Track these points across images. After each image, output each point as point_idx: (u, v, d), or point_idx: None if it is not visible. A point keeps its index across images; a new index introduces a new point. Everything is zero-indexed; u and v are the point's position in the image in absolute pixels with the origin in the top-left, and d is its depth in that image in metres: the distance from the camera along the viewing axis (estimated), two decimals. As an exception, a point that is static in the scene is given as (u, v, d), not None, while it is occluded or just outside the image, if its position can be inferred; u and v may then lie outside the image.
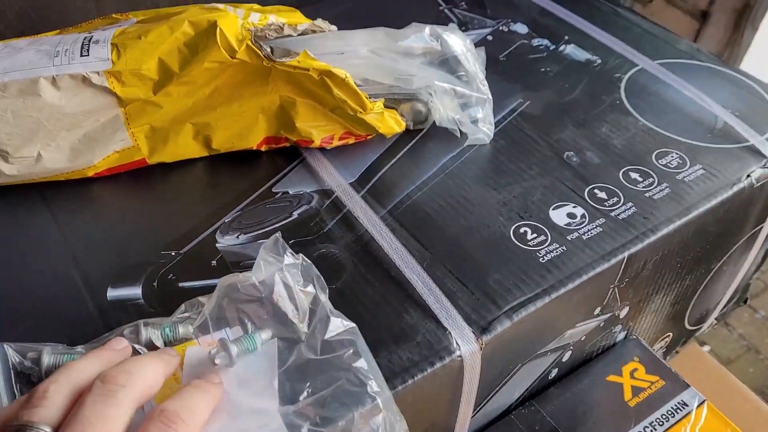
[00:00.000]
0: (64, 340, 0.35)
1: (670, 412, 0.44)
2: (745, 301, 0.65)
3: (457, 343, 0.36)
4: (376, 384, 0.32)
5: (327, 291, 0.34)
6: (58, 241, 0.41)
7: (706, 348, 1.29)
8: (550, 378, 0.46)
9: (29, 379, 0.32)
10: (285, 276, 0.34)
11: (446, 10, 0.64)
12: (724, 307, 0.62)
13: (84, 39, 0.41)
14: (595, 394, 0.46)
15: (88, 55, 0.40)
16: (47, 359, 0.32)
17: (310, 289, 0.34)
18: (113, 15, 0.47)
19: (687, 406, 0.45)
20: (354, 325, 0.33)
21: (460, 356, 0.36)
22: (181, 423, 0.28)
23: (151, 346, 0.33)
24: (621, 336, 0.50)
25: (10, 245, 0.40)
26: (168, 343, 0.34)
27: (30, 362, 0.33)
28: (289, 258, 0.35)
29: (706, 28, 0.86)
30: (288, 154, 0.48)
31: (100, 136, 0.42)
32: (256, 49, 0.41)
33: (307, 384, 0.31)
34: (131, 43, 0.40)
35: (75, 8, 0.59)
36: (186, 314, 0.35)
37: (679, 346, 0.61)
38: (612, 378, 0.47)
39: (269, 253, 0.35)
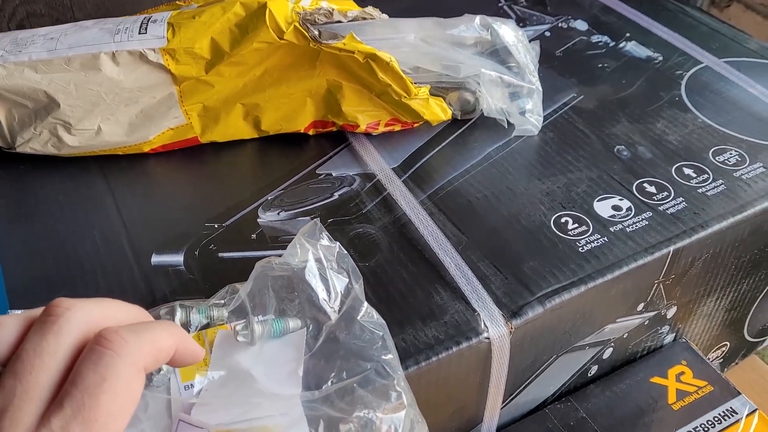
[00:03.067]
0: (108, 300, 0.37)
1: (716, 419, 0.42)
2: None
3: (485, 325, 0.36)
4: (403, 381, 0.31)
5: (361, 281, 0.34)
6: (113, 211, 0.43)
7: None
8: (589, 375, 0.45)
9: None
10: (320, 257, 0.34)
11: (505, 7, 0.63)
12: (790, 321, 0.58)
13: (143, 19, 0.43)
14: (637, 395, 0.44)
15: (146, 33, 0.42)
16: None
17: (343, 276, 0.34)
18: (177, 2, 0.50)
19: (736, 413, 0.43)
20: (383, 322, 0.33)
21: (488, 338, 0.36)
22: (122, 343, 0.22)
23: (186, 327, 0.34)
24: (669, 338, 0.48)
25: (69, 212, 0.43)
26: (203, 326, 0.34)
27: None
28: (325, 240, 0.35)
29: (786, 34, 0.82)
30: (335, 138, 0.48)
31: (155, 113, 0.44)
32: (303, 31, 0.42)
33: (333, 370, 0.31)
34: (185, 22, 0.42)
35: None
36: (222, 300, 0.36)
37: (738, 359, 0.57)
38: (656, 380, 0.45)
39: (306, 235, 0.35)
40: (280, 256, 0.35)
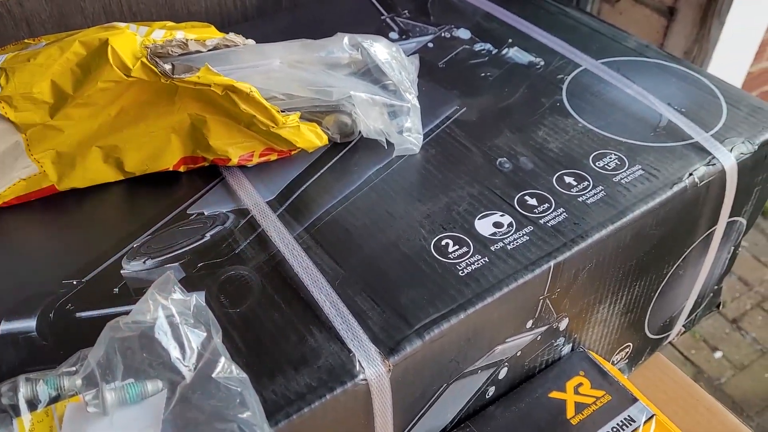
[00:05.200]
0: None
1: (615, 429, 0.42)
2: (718, 306, 0.62)
3: (361, 366, 0.34)
4: None
5: (220, 333, 0.32)
6: (-41, 275, 0.39)
7: (718, 354, 1.25)
8: (487, 397, 0.44)
9: None
10: (171, 312, 0.32)
11: (388, 20, 0.62)
12: (692, 313, 0.58)
13: (-25, 65, 0.40)
14: (537, 413, 0.43)
15: (-23, 81, 0.38)
16: None
17: (200, 330, 0.32)
18: (26, 40, 0.46)
19: (634, 421, 0.42)
20: (245, 375, 0.30)
21: (365, 380, 0.34)
22: None
23: (33, 403, 0.31)
24: (567, 349, 0.47)
25: None
26: (53, 399, 0.31)
27: None
28: (177, 294, 0.32)
29: (674, 25, 0.84)
30: (208, 174, 0.46)
31: (2, 165, 0.41)
32: (152, 66, 0.39)
33: None
34: (20, 66, 0.39)
35: (7, 36, 0.58)
36: (73, 368, 0.33)
37: (645, 356, 0.58)
38: (555, 394, 0.44)
39: (158, 289, 0.33)
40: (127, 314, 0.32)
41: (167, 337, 0.30)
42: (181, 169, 0.45)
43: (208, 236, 0.41)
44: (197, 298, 0.32)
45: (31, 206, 0.44)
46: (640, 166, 0.45)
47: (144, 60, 0.39)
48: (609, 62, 0.55)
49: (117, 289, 0.38)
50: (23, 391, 0.31)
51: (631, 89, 0.52)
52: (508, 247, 0.40)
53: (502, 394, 0.44)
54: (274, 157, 0.46)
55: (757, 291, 1.33)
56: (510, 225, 0.41)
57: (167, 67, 0.40)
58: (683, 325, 0.59)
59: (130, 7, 0.62)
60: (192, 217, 0.43)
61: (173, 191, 0.45)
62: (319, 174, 0.46)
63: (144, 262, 0.40)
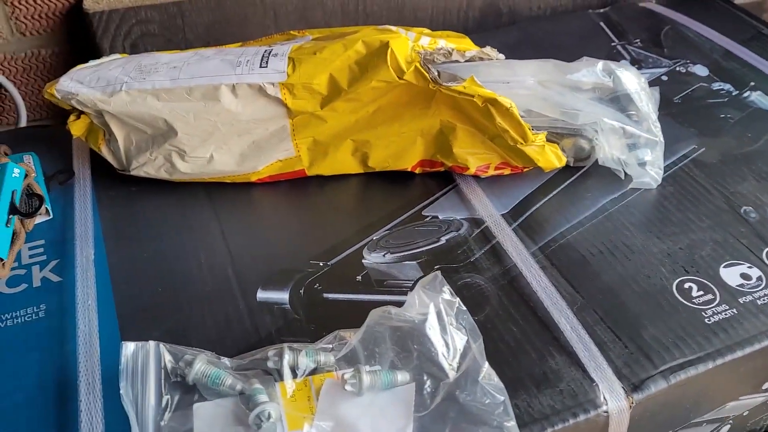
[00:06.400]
0: (214, 335, 0.37)
1: None
2: None
3: (604, 398, 0.34)
4: None
5: (481, 340, 0.33)
6: (218, 239, 0.43)
7: None
8: (701, 452, 0.42)
9: (180, 380, 0.33)
10: (440, 311, 0.33)
11: (619, 47, 0.61)
12: None
13: (264, 51, 0.43)
14: (754, 479, 0.41)
15: (267, 67, 0.42)
16: (198, 366, 0.33)
17: (463, 333, 0.33)
18: (291, 32, 0.50)
19: None
20: (503, 386, 0.31)
21: (606, 412, 0.34)
22: None
23: (294, 371, 0.33)
24: (790, 418, 0.44)
25: (177, 237, 0.43)
26: (311, 371, 0.34)
27: (183, 364, 0.34)
28: (446, 294, 0.34)
29: None
30: (441, 179, 0.47)
31: (266, 144, 0.44)
32: (424, 72, 0.41)
33: (449, 430, 0.30)
34: (306, 57, 0.42)
35: (256, 23, 0.62)
36: (329, 345, 0.35)
37: None
38: (775, 464, 0.41)
39: (426, 287, 0.34)
40: (394, 304, 0.33)
41: (435, 334, 0.32)
42: (417, 170, 0.47)
43: (443, 240, 0.43)
44: (460, 302, 0.33)
45: (279, 186, 0.47)
46: None
47: (417, 65, 0.41)
48: None
49: (360, 277, 0.40)
50: (287, 358, 0.33)
51: None
52: (758, 302, 0.38)
53: (716, 452, 0.42)
54: (507, 171, 0.46)
55: None
56: (759, 279, 0.39)
57: (435, 73, 0.42)
58: None
59: (365, 8, 0.65)
60: (427, 219, 0.44)
61: (408, 191, 0.47)
62: (551, 195, 0.46)
63: (384, 255, 0.42)
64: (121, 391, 0.32)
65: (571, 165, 0.47)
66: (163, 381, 0.33)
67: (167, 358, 0.34)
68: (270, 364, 0.34)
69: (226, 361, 0.34)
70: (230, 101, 0.42)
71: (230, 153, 0.44)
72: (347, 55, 0.41)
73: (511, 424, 0.29)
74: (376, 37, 0.42)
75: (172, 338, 0.36)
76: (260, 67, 0.42)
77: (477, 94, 0.41)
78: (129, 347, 0.33)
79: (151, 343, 0.33)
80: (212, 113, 0.42)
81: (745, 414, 0.41)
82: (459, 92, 0.42)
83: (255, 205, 0.46)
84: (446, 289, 0.33)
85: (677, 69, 0.58)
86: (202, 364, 0.33)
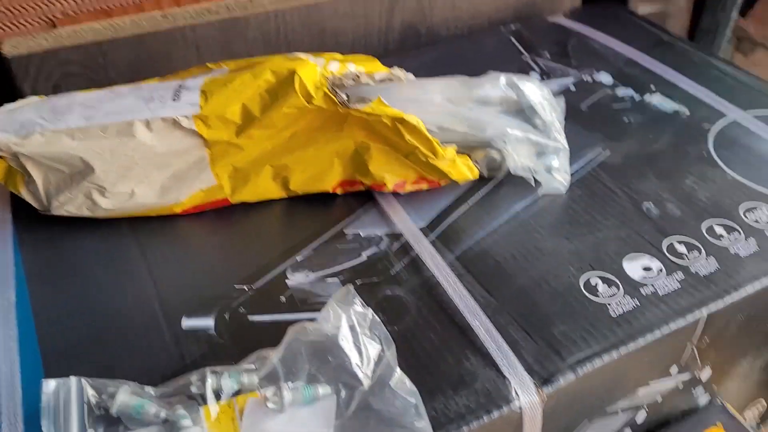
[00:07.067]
0: (140, 366, 0.38)
1: (755, 487, 0.41)
2: None
3: (516, 393, 0.35)
4: None
5: (394, 348, 0.34)
6: (144, 272, 0.44)
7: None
8: (622, 439, 0.44)
9: (104, 413, 0.34)
10: (353, 323, 0.34)
11: (529, 60, 0.64)
12: (829, 377, 0.56)
13: (177, 86, 0.44)
14: (672, 461, 0.43)
15: (179, 101, 0.43)
16: (121, 398, 0.33)
17: (376, 342, 0.34)
18: (208, 65, 0.51)
19: (776, 481, 0.41)
20: (416, 390, 0.33)
21: (519, 407, 0.35)
22: None
23: (218, 394, 0.34)
24: (704, 399, 0.47)
25: (102, 274, 0.43)
26: (234, 393, 0.34)
27: (106, 396, 0.34)
28: (358, 306, 0.35)
29: (813, 79, 0.82)
30: (362, 197, 0.49)
31: (186, 175, 0.45)
32: (332, 96, 0.43)
33: None
34: (218, 89, 0.43)
35: (179, 57, 0.64)
36: (252, 365, 0.36)
37: (775, 417, 0.56)
38: (691, 444, 0.44)
39: (339, 301, 0.35)
40: (311, 320, 0.35)
41: (349, 344, 0.33)
42: (338, 191, 0.49)
43: (364, 256, 0.44)
44: (373, 313, 0.34)
45: (204, 216, 0.48)
46: (794, 222, 0.45)
47: (325, 90, 0.43)
48: (759, 115, 0.55)
49: (284, 298, 0.42)
50: (210, 382, 0.34)
51: (783, 144, 0.51)
52: (659, 292, 0.41)
53: (637, 438, 0.44)
54: (425, 186, 0.48)
55: None
56: (660, 270, 0.42)
57: (344, 97, 0.44)
58: (819, 389, 0.57)
59: (287, 36, 0.67)
60: (349, 237, 0.46)
61: (330, 211, 0.48)
62: (467, 206, 0.48)
63: (307, 275, 0.43)
64: (43, 429, 0.32)
65: (485, 176, 0.50)
66: (86, 416, 0.33)
67: (90, 393, 0.34)
68: (193, 389, 0.35)
69: (150, 390, 0.35)
70: (145, 136, 0.43)
71: (151, 186, 0.45)
72: (257, 84, 0.43)
73: (423, 424, 0.31)
74: (284, 65, 0.43)
75: (99, 374, 0.36)
76: (173, 101, 0.43)
77: (384, 114, 0.43)
78: (50, 384, 0.33)
79: (73, 379, 0.34)
80: (129, 149, 0.43)
81: (659, 401, 0.43)
82: (368, 113, 0.43)
83: (180, 236, 0.47)
84: (358, 301, 0.34)
85: (584, 78, 0.61)
86: (125, 395, 0.34)
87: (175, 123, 0.43)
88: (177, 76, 0.49)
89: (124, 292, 0.42)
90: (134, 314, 0.41)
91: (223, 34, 0.64)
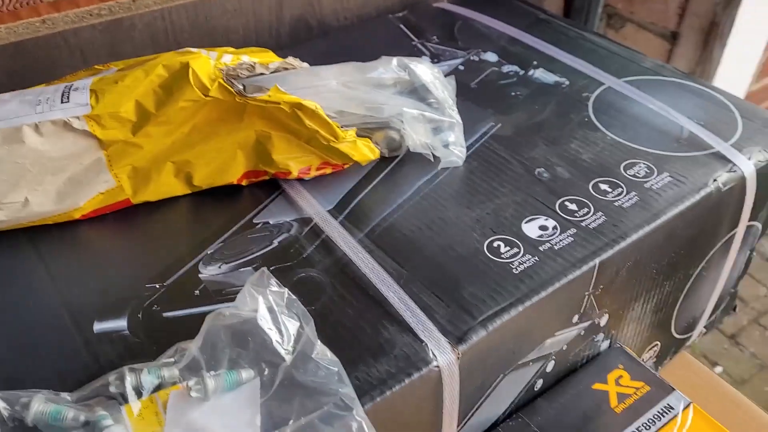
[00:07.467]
0: (53, 374, 0.37)
1: (656, 416, 0.45)
2: (734, 309, 0.66)
3: (434, 354, 0.37)
4: (362, 412, 0.32)
5: (312, 323, 0.35)
6: (46, 281, 0.42)
7: (719, 369, 1.29)
8: (536, 389, 0.47)
9: (18, 424, 0.33)
10: (270, 304, 0.35)
11: (419, 45, 0.66)
12: (712, 314, 0.62)
13: (64, 87, 0.43)
14: (582, 403, 0.46)
15: (69, 102, 0.42)
16: (35, 407, 0.32)
17: (294, 319, 0.35)
18: (96, 66, 0.50)
19: (673, 409, 0.45)
20: (337, 359, 0.34)
21: (437, 366, 0.37)
22: None
23: (139, 391, 0.34)
24: (605, 345, 0.50)
25: (0, 289, 0.42)
26: (155, 388, 0.34)
27: (20, 407, 0.33)
28: (274, 287, 0.36)
29: (677, 49, 0.89)
30: (268, 187, 0.49)
31: (84, 179, 0.44)
32: (228, 87, 0.43)
33: (293, 410, 0.32)
34: (108, 87, 0.42)
35: (63, 64, 0.61)
36: (171, 359, 0.36)
37: (670, 356, 0.61)
38: (597, 386, 0.47)
39: (254, 284, 0.36)
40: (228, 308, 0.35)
41: (268, 324, 0.34)
42: (244, 182, 0.49)
43: (276, 242, 0.45)
44: (289, 292, 0.35)
45: (106, 219, 0.47)
46: (668, 174, 0.49)
47: (220, 81, 0.43)
48: (630, 81, 0.59)
49: (198, 291, 0.41)
50: (129, 380, 0.34)
51: (653, 104, 0.56)
52: (555, 248, 0.43)
53: (548, 387, 0.47)
54: (329, 170, 0.49)
55: (753, 307, 1.38)
56: (555, 228, 0.45)
57: (240, 87, 0.44)
58: (704, 326, 0.63)
59: (176, 37, 0.66)
60: (258, 226, 0.46)
61: (237, 203, 0.48)
62: (372, 185, 0.49)
63: (219, 267, 0.43)
64: (-46, 447, 0.31)
65: (387, 156, 0.51)
66: (1, 428, 0.32)
67: (1, 405, 0.33)
68: (112, 389, 0.34)
69: (66, 395, 0.34)
70: (35, 141, 0.41)
71: (46, 193, 0.43)
72: (150, 80, 0.42)
73: (347, 389, 0.32)
74: (176, 59, 0.43)
75: (9, 388, 0.35)
76: (61, 102, 0.42)
77: (282, 101, 0.44)
78: (-43, 401, 0.32)
79: (-19, 393, 0.33)
80: (18, 156, 0.41)
81: (564, 348, 0.46)
82: (266, 101, 0.44)
83: (82, 242, 0.46)
84: (273, 281, 0.35)
85: (471, 58, 0.64)
86: (39, 404, 0.33)
87: (66, 125, 0.42)
88: (64, 80, 0.48)
89: (28, 305, 0.41)
90: (41, 326, 0.40)
91: (109, 36, 0.63)
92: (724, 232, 0.53)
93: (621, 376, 0.48)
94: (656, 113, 0.55)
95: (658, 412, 0.45)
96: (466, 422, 0.42)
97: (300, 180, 0.49)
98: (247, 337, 0.34)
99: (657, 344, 0.57)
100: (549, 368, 0.46)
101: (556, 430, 0.44)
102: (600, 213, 0.46)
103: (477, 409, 0.43)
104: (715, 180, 0.48)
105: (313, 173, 0.49)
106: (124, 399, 0.34)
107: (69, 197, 0.44)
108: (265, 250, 0.44)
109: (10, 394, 0.33)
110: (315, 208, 0.47)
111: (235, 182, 0.48)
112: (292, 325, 0.34)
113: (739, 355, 1.31)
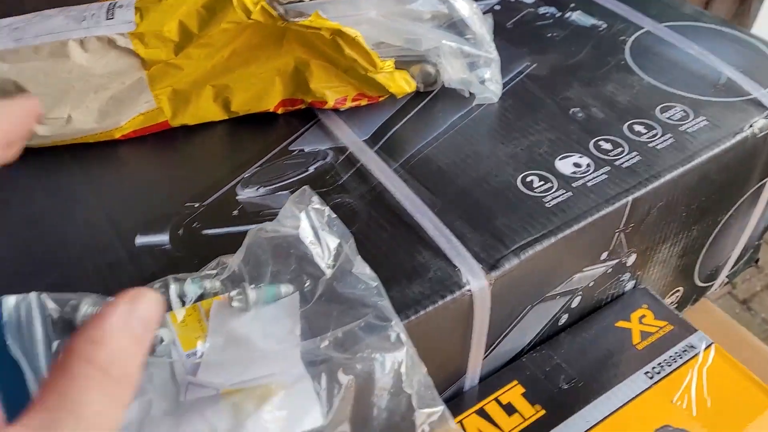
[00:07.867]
0: (97, 283, 0.38)
1: (678, 354, 0.46)
2: (756, 261, 0.66)
3: (467, 279, 0.38)
4: (400, 323, 0.33)
5: (352, 240, 0.35)
6: (90, 196, 0.43)
7: (729, 333, 1.30)
8: (560, 324, 0.48)
9: (67, 325, 0.34)
10: (311, 218, 0.36)
11: (455, -17, 0.65)
12: (735, 265, 0.62)
13: (109, 4, 0.43)
14: (605, 339, 0.47)
15: (113, 18, 0.42)
16: (84, 309, 0.34)
17: (335, 236, 0.36)
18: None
19: (694, 348, 0.46)
20: (375, 275, 0.35)
21: (470, 291, 0.38)
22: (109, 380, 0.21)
23: (182, 300, 0.35)
24: (630, 285, 0.51)
25: (48, 201, 0.43)
26: (198, 298, 0.35)
27: (69, 309, 0.34)
28: (316, 204, 0.36)
29: (714, 3, 0.87)
30: (303, 116, 0.50)
31: (125, 98, 0.45)
32: (271, 10, 0.43)
33: (333, 319, 0.33)
34: (153, 6, 0.42)
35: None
36: (213, 271, 0.37)
37: (690, 303, 0.62)
38: (621, 324, 0.48)
39: (297, 201, 0.36)
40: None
41: (309, 238, 0.34)
42: (280, 110, 0.49)
43: (312, 169, 0.45)
44: (330, 210, 0.36)
45: (145, 141, 0.48)
46: (704, 118, 0.49)
47: (263, 4, 0.43)
48: (669, 26, 0.58)
49: (236, 212, 0.42)
50: (173, 289, 0.35)
51: (691, 49, 0.55)
52: (588, 184, 0.44)
53: (573, 323, 0.48)
54: (364, 102, 0.49)
55: (767, 273, 1.38)
56: (588, 165, 0.45)
57: (282, 10, 0.44)
58: (726, 276, 0.63)
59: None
60: (294, 152, 0.47)
61: (273, 130, 0.49)
62: (406, 119, 0.49)
63: (257, 189, 0.44)
64: (7, 342, 0.32)
65: (421, 91, 0.51)
66: (51, 328, 0.34)
67: (51, 307, 0.34)
68: (157, 297, 0.35)
69: (112, 300, 0.35)
70: (80, 56, 0.42)
71: (89, 111, 0.44)
72: (193, 0, 0.43)
73: (384, 302, 0.33)
74: (219, -20, 0.43)
75: (56, 292, 0.36)
76: (106, 19, 0.42)
77: (323, 27, 0.44)
78: (9, 301, 0.33)
79: (32, 294, 0.34)
80: (63, 70, 0.42)
81: (591, 285, 0.47)
82: (306, 26, 0.44)
83: (123, 161, 0.46)
84: (315, 199, 0.36)
85: (508, -2, 0.63)
86: (88, 306, 0.34)
87: (111, 42, 0.42)
88: None
89: (73, 216, 0.42)
90: (86, 236, 0.41)
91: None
92: (756, 180, 0.53)
93: (644, 315, 0.48)
94: (694, 58, 0.55)
95: (680, 350, 0.46)
96: (492, 349, 0.43)
97: (335, 110, 0.50)
98: (289, 251, 0.35)
99: (679, 290, 0.58)
100: (574, 303, 0.47)
101: (578, 363, 0.45)
102: (635, 153, 0.46)
103: (503, 338, 0.44)
104: (750, 126, 0.48)
105: (349, 104, 0.49)
106: (169, 306, 0.35)
107: (110, 116, 0.45)
108: (301, 176, 0.45)
109: (59, 295, 0.34)
110: (350, 137, 0.47)
111: (272, 110, 0.49)
112: (332, 242, 0.35)
113: (750, 320, 1.32)
